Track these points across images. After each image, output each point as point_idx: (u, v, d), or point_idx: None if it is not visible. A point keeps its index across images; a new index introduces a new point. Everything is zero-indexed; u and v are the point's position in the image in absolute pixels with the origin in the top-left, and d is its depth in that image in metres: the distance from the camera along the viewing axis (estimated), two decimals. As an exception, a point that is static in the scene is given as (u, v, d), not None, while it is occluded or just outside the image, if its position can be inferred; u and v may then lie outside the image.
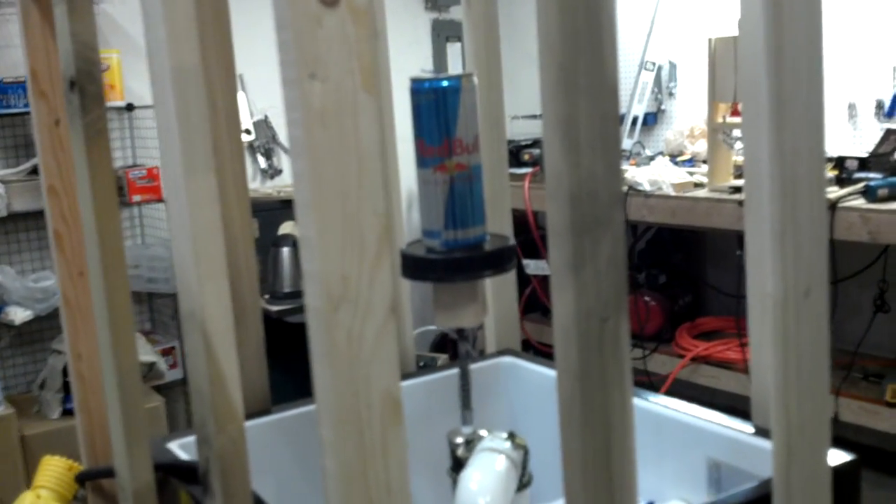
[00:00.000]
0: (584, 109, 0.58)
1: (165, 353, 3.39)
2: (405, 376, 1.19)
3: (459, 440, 0.92)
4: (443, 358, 3.44)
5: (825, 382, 0.75)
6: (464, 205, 0.84)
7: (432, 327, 3.59)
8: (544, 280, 3.54)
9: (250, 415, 1.08)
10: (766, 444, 0.94)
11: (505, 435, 0.89)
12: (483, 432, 0.92)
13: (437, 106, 0.82)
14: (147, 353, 3.33)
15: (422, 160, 0.84)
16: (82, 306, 0.98)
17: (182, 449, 1.00)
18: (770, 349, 0.73)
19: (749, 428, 0.98)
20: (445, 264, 0.85)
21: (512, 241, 0.88)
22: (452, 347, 3.67)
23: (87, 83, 0.80)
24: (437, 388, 1.17)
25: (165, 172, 0.67)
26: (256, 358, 1.09)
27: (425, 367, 3.44)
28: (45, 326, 3.34)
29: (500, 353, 1.26)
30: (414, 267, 0.86)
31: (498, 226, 1.18)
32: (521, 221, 3.22)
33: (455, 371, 1.13)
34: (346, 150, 0.50)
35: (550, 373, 1.19)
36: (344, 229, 0.51)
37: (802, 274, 0.70)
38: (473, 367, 1.06)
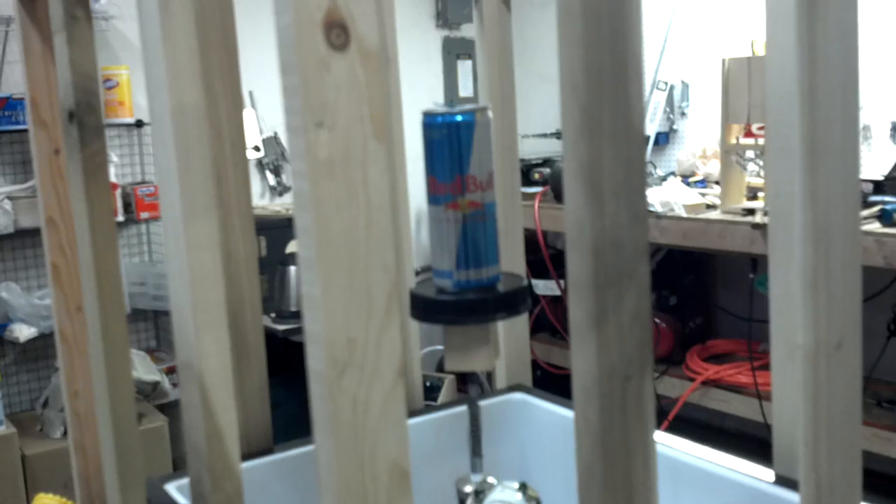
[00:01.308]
0: (609, 155, 0.54)
1: (170, 371, 3.36)
2: (412, 413, 1.15)
3: (468, 489, 0.88)
4: (449, 378, 3.40)
5: (857, 438, 0.71)
6: (477, 244, 0.81)
7: (439, 347, 3.55)
8: (553, 300, 3.50)
9: (252, 454, 1.05)
10: (787, 493, 0.90)
11: (516, 485, 0.85)
12: (492, 480, 0.88)
13: (449, 141, 0.79)
14: (151, 372, 3.30)
15: (433, 197, 0.81)
16: (79, 342, 0.95)
17: (179, 491, 0.96)
18: (799, 403, 0.69)
19: (770, 476, 0.94)
20: (457, 306, 0.81)
21: (525, 282, 0.85)
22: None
23: (86, 115, 0.77)
24: (446, 427, 1.14)
25: (164, 215, 0.64)
26: (259, 396, 1.05)
27: (431, 388, 3.40)
28: (50, 344, 3.31)
29: (511, 388, 1.23)
30: (423, 308, 0.83)
31: (510, 260, 1.14)
32: (531, 241, 3.19)
33: (463, 408, 1.09)
34: (354, 202, 0.47)
35: (563, 411, 1.15)
36: (350, 288, 0.47)
37: (835, 326, 0.66)
38: (483, 403, 1.03)
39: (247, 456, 1.05)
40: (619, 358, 0.55)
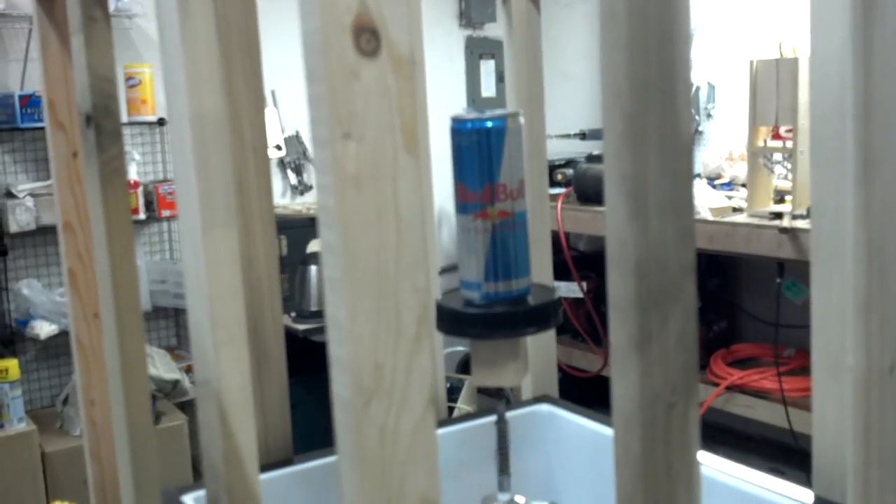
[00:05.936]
0: (654, 167, 0.51)
1: (190, 369, 3.35)
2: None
3: (496, 509, 0.85)
4: (470, 379, 3.37)
5: (909, 466, 0.67)
6: (506, 255, 0.77)
7: (460, 347, 3.52)
8: (576, 302, 3.46)
9: (271, 465, 1.02)
10: (829, 516, 0.86)
11: (546, 505, 0.82)
12: (520, 499, 0.85)
13: (479, 148, 0.75)
14: (171, 371, 3.30)
15: (461, 206, 0.78)
16: (96, 350, 0.92)
17: (195, 503, 0.93)
18: (849, 427, 0.65)
19: (809, 497, 0.90)
20: (485, 320, 0.78)
21: (556, 294, 0.82)
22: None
23: (103, 118, 0.74)
24: (471, 438, 1.10)
25: (182, 227, 0.61)
26: (279, 405, 1.02)
27: (451, 389, 3.37)
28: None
29: (537, 399, 1.19)
30: (450, 321, 0.79)
31: (539, 269, 1.11)
32: (554, 242, 3.15)
33: (488, 419, 1.06)
34: (383, 219, 0.44)
35: (591, 424, 1.12)
36: (379, 310, 0.44)
37: (889, 348, 0.62)
38: (508, 415, 0.99)
39: (266, 467, 1.02)
40: (663, 384, 0.52)
